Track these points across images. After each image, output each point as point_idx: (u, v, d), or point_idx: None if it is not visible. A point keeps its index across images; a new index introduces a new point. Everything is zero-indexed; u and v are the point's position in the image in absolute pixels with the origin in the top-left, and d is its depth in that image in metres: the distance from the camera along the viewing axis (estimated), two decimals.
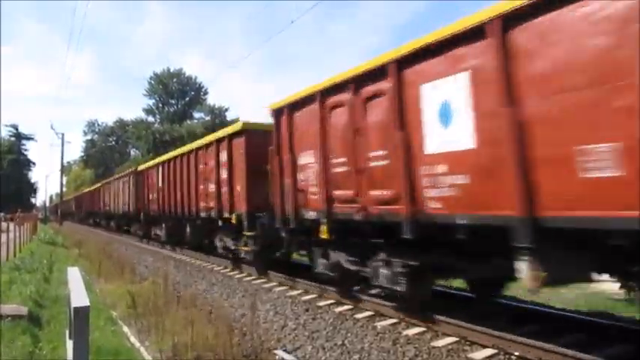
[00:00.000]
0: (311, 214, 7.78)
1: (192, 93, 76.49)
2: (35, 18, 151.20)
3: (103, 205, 30.84)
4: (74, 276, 2.99)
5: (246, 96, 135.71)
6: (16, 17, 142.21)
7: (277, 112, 8.75)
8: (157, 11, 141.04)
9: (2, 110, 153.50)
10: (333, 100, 7.17)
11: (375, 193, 6.31)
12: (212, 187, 12.34)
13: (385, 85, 6.09)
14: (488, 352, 5.23)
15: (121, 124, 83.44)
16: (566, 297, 8.09)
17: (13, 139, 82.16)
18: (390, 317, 6.73)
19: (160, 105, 76.31)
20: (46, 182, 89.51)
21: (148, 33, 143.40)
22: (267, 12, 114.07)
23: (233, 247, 11.56)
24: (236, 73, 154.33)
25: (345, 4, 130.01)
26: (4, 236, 15.58)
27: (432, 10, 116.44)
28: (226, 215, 11.45)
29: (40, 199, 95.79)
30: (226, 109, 71.27)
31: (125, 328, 6.86)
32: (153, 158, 27.13)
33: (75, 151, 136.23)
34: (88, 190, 43.43)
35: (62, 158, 50.14)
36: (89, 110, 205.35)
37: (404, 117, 5.78)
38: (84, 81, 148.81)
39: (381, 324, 6.51)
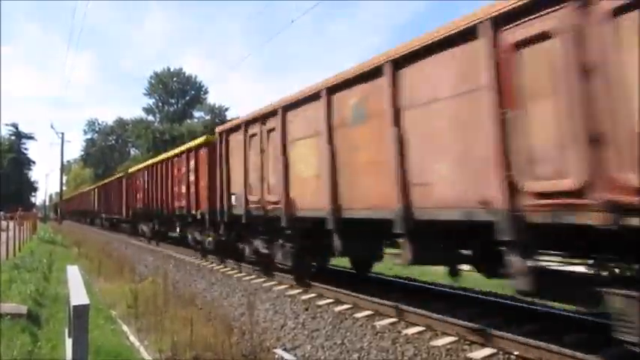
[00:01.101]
0: None
1: (193, 92, 76.54)
2: (35, 18, 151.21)
3: (201, 197, 13.30)
4: (74, 274, 2.99)
5: (246, 95, 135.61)
6: (16, 18, 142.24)
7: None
8: (157, 11, 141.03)
9: (2, 110, 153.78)
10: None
11: None
12: None
13: None
14: (488, 351, 5.24)
15: (121, 124, 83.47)
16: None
17: (13, 138, 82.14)
18: (390, 316, 6.74)
19: (160, 104, 76.39)
20: (46, 181, 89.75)
21: (149, 33, 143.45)
22: (268, 12, 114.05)
23: None
24: (236, 73, 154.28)
25: (345, 4, 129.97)
26: (3, 235, 15.57)
27: (432, 10, 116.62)
28: None
29: (40, 198, 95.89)
30: (226, 109, 71.33)
31: (125, 327, 6.86)
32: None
33: (75, 150, 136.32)
34: (139, 167, 21.80)
35: (62, 157, 50.25)
36: (89, 110, 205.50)
37: None
38: (84, 81, 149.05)
39: (380, 323, 6.51)
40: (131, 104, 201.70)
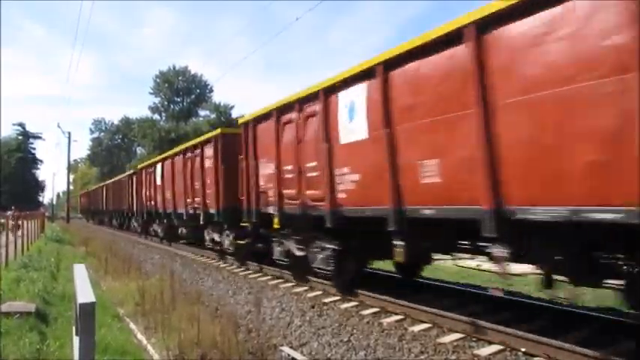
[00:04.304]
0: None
1: (198, 91, 76.57)
2: (40, 19, 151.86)
3: None
4: (80, 272, 3.00)
5: (249, 94, 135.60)
6: (20, 19, 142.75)
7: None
8: (159, 11, 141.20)
9: (10, 111, 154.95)
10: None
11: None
12: None
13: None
14: (495, 348, 5.22)
15: (127, 123, 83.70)
16: None
17: (20, 137, 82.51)
18: (396, 314, 6.73)
19: (166, 103, 76.44)
20: (53, 180, 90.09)
21: (151, 33, 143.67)
22: (270, 11, 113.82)
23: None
24: (240, 72, 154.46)
25: (347, 3, 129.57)
26: (11, 234, 15.62)
27: (432, 9, 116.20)
28: None
29: (48, 197, 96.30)
30: (232, 107, 71.33)
31: (132, 325, 6.89)
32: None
33: (81, 150, 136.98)
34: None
35: (69, 156, 50.57)
36: (95, 109, 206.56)
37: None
38: (89, 80, 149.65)
39: (386, 320, 6.50)
40: (137, 103, 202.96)
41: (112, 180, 34.86)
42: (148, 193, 20.49)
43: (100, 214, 41.79)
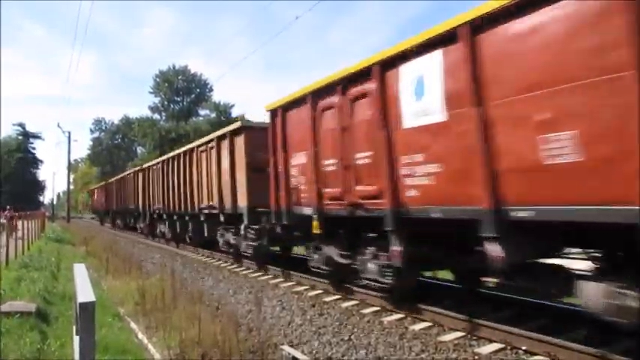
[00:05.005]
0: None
1: (198, 90, 76.53)
2: (40, 19, 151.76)
3: None
4: (80, 272, 3.00)
5: (249, 94, 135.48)
6: (20, 19, 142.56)
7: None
8: (160, 11, 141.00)
9: (10, 111, 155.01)
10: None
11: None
12: None
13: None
14: (495, 346, 5.21)
15: (127, 122, 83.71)
16: None
17: (20, 137, 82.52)
18: (397, 312, 6.73)
19: (166, 102, 76.40)
20: (53, 180, 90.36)
21: (152, 33, 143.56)
22: (270, 11, 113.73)
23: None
24: (240, 72, 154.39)
25: (347, 3, 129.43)
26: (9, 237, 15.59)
27: (432, 9, 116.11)
28: None
29: (48, 197, 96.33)
30: (232, 106, 71.34)
31: (133, 325, 6.89)
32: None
33: (81, 149, 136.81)
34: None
35: (69, 156, 50.61)
36: (95, 109, 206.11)
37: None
38: (89, 80, 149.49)
39: (387, 319, 6.50)
40: (137, 103, 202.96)
41: (165, 158, 19.26)
42: (327, 167, 7.51)
43: (130, 215, 27.64)
